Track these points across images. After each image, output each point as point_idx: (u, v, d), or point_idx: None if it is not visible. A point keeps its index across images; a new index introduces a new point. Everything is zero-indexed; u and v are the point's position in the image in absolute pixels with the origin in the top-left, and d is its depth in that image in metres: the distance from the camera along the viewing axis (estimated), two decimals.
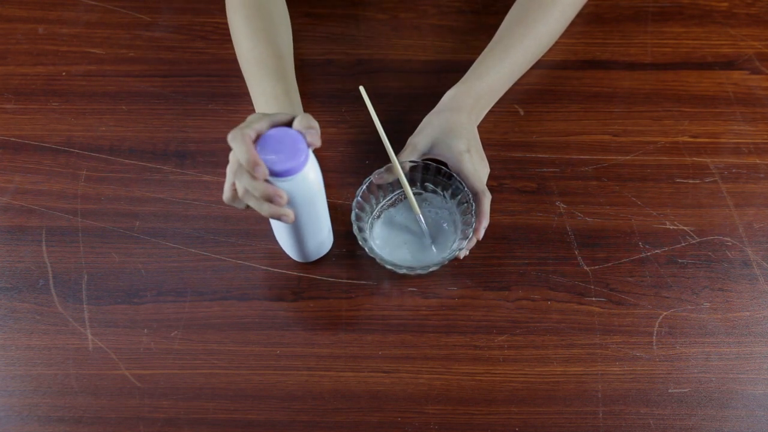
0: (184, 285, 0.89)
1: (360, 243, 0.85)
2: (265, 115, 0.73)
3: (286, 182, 0.73)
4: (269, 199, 0.72)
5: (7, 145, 0.96)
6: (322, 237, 0.86)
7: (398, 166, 0.85)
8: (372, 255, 0.85)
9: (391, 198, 0.91)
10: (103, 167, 0.95)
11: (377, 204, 0.90)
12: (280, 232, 0.86)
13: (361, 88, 0.85)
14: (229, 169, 0.74)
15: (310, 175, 0.74)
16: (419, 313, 0.89)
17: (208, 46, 1.03)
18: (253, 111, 0.91)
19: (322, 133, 0.98)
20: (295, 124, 0.73)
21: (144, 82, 1.00)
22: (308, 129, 0.72)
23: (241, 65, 0.94)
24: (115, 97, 0.99)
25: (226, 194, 0.75)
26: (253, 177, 0.71)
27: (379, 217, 0.91)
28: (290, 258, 0.90)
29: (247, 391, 0.85)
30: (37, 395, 0.85)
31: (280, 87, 0.88)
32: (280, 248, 0.90)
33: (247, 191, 0.73)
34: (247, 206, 0.76)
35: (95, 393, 0.85)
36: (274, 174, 0.72)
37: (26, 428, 0.84)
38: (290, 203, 0.75)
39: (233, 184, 0.74)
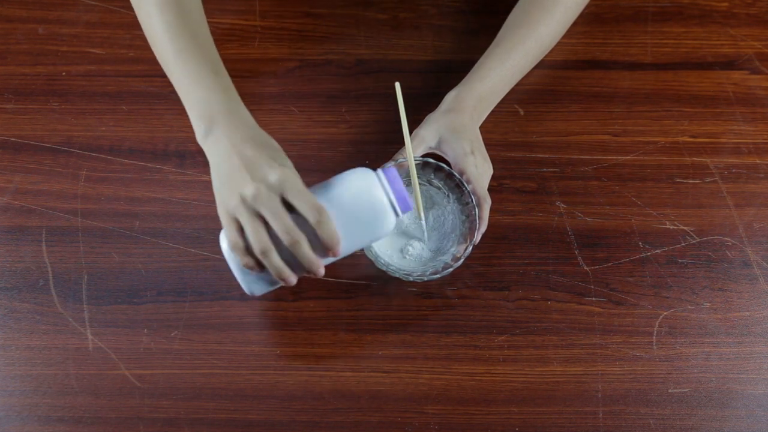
0: (184, 285, 0.89)
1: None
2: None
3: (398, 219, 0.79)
4: (326, 246, 0.75)
5: (7, 145, 0.96)
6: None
7: (414, 168, 0.85)
8: (369, 256, 0.85)
9: None
10: (103, 167, 0.95)
11: None
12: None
13: (397, 85, 0.85)
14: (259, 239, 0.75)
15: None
16: (419, 313, 0.89)
17: None
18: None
19: (322, 133, 0.99)
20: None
21: (144, 82, 1.00)
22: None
23: (156, 52, 0.86)
24: (115, 97, 0.99)
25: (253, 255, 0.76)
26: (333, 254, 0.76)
27: None
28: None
29: (247, 391, 0.85)
30: (37, 395, 0.85)
31: (205, 68, 0.81)
32: None
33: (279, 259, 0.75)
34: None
35: (95, 393, 0.85)
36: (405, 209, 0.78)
37: (26, 428, 0.84)
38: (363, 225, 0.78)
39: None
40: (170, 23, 0.83)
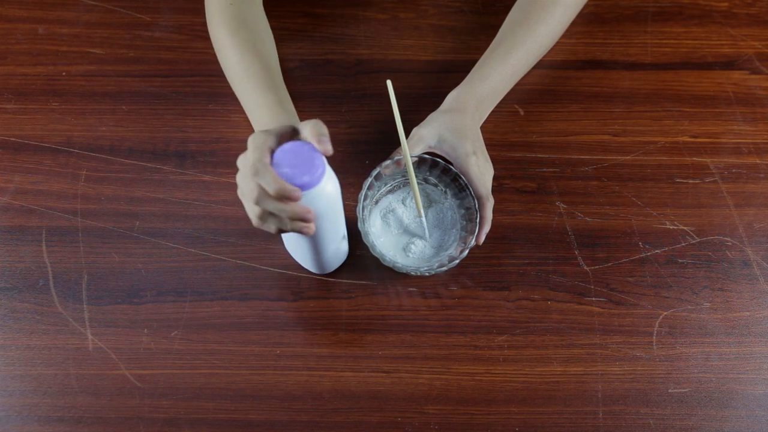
0: (184, 285, 0.89)
1: (363, 239, 0.85)
2: (267, 132, 0.70)
3: (305, 196, 0.71)
4: (300, 219, 0.70)
5: (7, 145, 0.96)
6: (339, 247, 0.86)
7: (411, 166, 0.85)
8: (374, 254, 0.85)
9: (390, 185, 0.91)
10: (103, 167, 0.95)
11: (377, 191, 0.90)
12: (297, 247, 0.85)
13: (389, 82, 0.85)
14: (248, 195, 0.70)
15: (328, 187, 0.73)
16: (419, 313, 0.89)
17: (208, 46, 1.03)
18: (247, 122, 0.91)
19: None
20: (306, 132, 0.70)
21: (144, 82, 1.00)
22: (320, 136, 0.70)
23: (229, 78, 0.92)
24: (115, 97, 0.99)
25: (256, 220, 0.72)
26: (289, 201, 0.69)
27: (377, 203, 0.91)
28: (290, 258, 0.90)
29: (247, 391, 0.85)
30: (37, 395, 0.85)
31: (272, 97, 0.87)
32: (281, 249, 0.90)
33: (271, 214, 0.71)
34: (279, 230, 0.72)
35: (95, 393, 0.85)
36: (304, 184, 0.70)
37: (26, 428, 0.84)
38: None
39: (260, 210, 0.71)
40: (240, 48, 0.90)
